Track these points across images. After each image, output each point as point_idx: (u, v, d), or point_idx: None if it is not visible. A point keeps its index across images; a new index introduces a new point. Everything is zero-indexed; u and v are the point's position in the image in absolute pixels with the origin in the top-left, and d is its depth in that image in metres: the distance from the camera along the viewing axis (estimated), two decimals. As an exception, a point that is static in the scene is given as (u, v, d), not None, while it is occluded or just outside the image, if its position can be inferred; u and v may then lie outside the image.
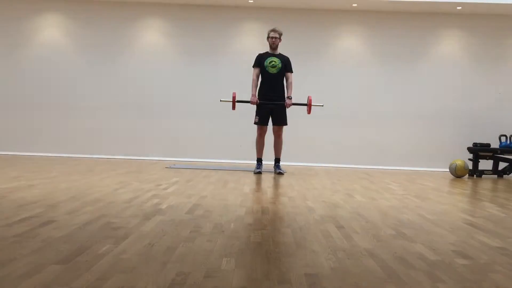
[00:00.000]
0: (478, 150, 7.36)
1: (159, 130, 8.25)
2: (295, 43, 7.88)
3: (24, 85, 8.27)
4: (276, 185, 5.18)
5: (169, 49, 8.34)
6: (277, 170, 6.36)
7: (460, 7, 7.92)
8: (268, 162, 6.69)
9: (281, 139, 6.45)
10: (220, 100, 6.84)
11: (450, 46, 8.33)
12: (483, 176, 7.43)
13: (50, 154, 8.16)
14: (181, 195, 4.01)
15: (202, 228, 2.75)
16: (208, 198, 3.94)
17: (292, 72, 6.41)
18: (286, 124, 6.42)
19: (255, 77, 6.38)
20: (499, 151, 7.38)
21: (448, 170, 7.29)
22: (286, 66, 6.36)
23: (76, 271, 1.88)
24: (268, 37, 6.40)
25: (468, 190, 5.55)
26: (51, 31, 8.33)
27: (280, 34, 6.37)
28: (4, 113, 8.26)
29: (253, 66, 6.42)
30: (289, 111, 6.43)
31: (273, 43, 6.35)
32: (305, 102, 6.44)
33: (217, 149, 8.20)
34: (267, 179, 5.67)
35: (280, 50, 6.45)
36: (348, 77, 8.27)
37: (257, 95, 6.37)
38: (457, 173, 6.95)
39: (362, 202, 4.05)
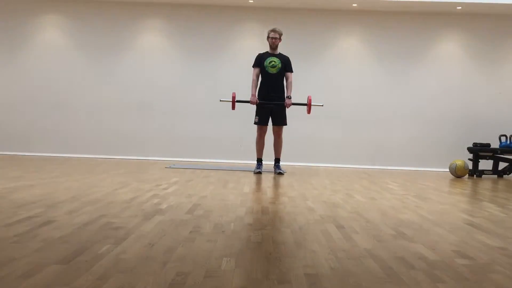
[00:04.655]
0: (478, 150, 7.36)
1: (159, 130, 8.25)
2: (295, 43, 7.87)
3: (25, 85, 8.27)
4: (276, 185, 5.18)
5: (169, 49, 8.34)
6: (277, 170, 6.36)
7: (460, 7, 7.92)
8: (268, 162, 6.69)
9: (281, 139, 6.45)
10: (220, 100, 6.84)
11: (450, 46, 8.32)
12: (483, 176, 7.43)
13: (50, 154, 8.16)
14: (181, 195, 4.01)
15: (202, 228, 2.74)
16: (208, 198, 3.94)
17: (292, 72, 6.40)
18: (286, 124, 6.42)
19: (255, 77, 6.38)
20: (499, 151, 7.38)
21: (448, 170, 7.29)
22: (286, 66, 6.35)
23: (76, 271, 1.88)
24: (268, 37, 6.39)
25: (468, 190, 5.55)
26: (51, 31, 8.33)
27: (280, 34, 6.37)
28: (4, 113, 8.26)
29: (253, 66, 6.42)
30: (289, 111, 6.43)
31: (273, 43, 6.35)
32: (305, 102, 6.44)
33: (217, 149, 8.20)
34: (267, 179, 5.67)
35: (280, 50, 6.45)
36: (348, 77, 8.27)
37: (257, 95, 6.37)
38: (457, 173, 6.95)
39: (362, 202, 4.05)
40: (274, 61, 6.32)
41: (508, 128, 7.87)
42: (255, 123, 6.39)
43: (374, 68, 8.31)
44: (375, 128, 8.27)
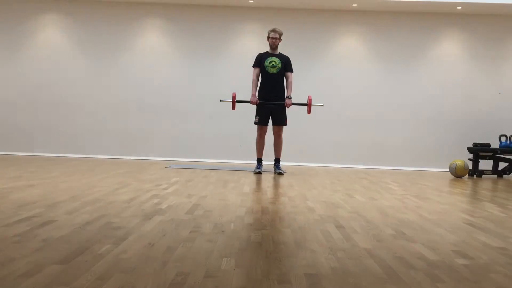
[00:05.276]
0: (478, 150, 7.36)
1: (159, 130, 8.25)
2: (295, 43, 7.87)
3: (24, 85, 8.27)
4: (276, 185, 5.18)
5: (169, 49, 8.34)
6: (277, 170, 6.36)
7: (460, 7, 7.92)
8: (268, 162, 6.69)
9: (281, 139, 6.45)
10: (220, 100, 6.84)
11: (450, 46, 8.32)
12: (483, 176, 7.43)
13: (50, 154, 8.16)
14: (181, 195, 4.01)
15: (202, 228, 2.75)
16: (208, 198, 3.94)
17: (292, 72, 6.40)
18: (286, 124, 6.42)
19: (255, 77, 6.37)
20: (499, 151, 7.38)
21: (448, 170, 7.29)
22: (286, 66, 6.35)
23: (76, 271, 1.88)
24: (268, 37, 6.39)
25: (468, 190, 5.55)
26: (51, 31, 8.33)
27: (280, 34, 6.37)
28: (4, 113, 8.26)
29: (253, 66, 6.42)
30: (289, 111, 6.43)
31: (273, 43, 6.35)
32: (305, 102, 6.44)
33: (217, 149, 8.20)
34: (267, 179, 5.67)
35: (280, 50, 6.45)
36: (348, 77, 8.27)
37: (257, 95, 6.37)
38: (457, 173, 6.95)
39: (362, 202, 4.05)
40: (274, 61, 6.32)
41: (508, 128, 7.87)
42: (255, 123, 6.39)
43: (374, 68, 8.30)
44: (375, 128, 8.26)
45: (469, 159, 7.39)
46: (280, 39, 6.37)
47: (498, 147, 7.52)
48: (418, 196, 4.61)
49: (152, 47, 8.33)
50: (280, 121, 6.38)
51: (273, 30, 6.37)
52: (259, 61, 6.36)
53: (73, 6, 8.28)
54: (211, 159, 8.13)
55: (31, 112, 8.25)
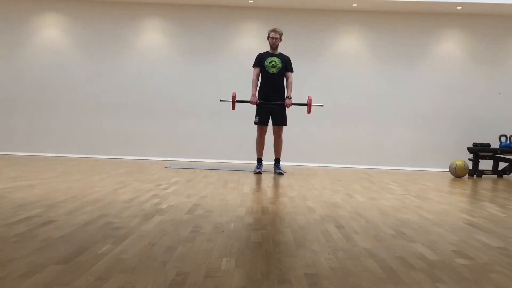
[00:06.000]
0: (478, 150, 7.36)
1: (159, 130, 8.25)
2: (295, 43, 7.88)
3: (24, 85, 8.27)
4: (276, 185, 5.18)
5: (169, 49, 8.34)
6: (277, 170, 6.36)
7: (460, 7, 7.92)
8: (268, 162, 6.69)
9: (281, 139, 6.45)
10: (220, 100, 6.85)
11: (450, 46, 8.32)
12: (483, 176, 7.43)
13: (50, 154, 8.16)
14: (181, 195, 4.01)
15: (202, 228, 2.75)
16: (208, 198, 3.94)
17: (292, 71, 6.40)
18: (286, 124, 6.42)
19: (255, 77, 6.37)
20: (499, 151, 7.38)
21: (448, 170, 7.29)
22: (286, 66, 6.35)
23: (76, 271, 1.88)
24: (268, 37, 6.39)
25: (468, 190, 5.55)
26: (51, 31, 8.33)
27: (281, 34, 6.37)
28: (4, 113, 8.26)
29: (253, 66, 6.42)
30: (289, 111, 6.43)
31: (274, 43, 6.35)
32: (305, 102, 6.44)
33: (217, 149, 8.20)
34: (267, 179, 5.67)
35: (280, 50, 6.45)
36: (348, 77, 8.28)
37: (257, 95, 6.37)
38: (457, 173, 6.95)
39: (362, 202, 4.05)
40: (275, 61, 6.32)
41: (508, 128, 7.87)
42: (255, 123, 6.39)
43: (374, 68, 8.30)
44: (375, 128, 8.27)
45: (469, 159, 7.39)
46: (280, 39, 6.37)
47: (498, 147, 7.52)
48: (418, 196, 4.61)
49: (152, 47, 8.33)
50: (280, 121, 6.38)
51: (274, 30, 6.37)
52: (259, 61, 6.36)
53: (73, 6, 8.28)
54: (211, 159, 8.13)
55: (31, 112, 8.25)
